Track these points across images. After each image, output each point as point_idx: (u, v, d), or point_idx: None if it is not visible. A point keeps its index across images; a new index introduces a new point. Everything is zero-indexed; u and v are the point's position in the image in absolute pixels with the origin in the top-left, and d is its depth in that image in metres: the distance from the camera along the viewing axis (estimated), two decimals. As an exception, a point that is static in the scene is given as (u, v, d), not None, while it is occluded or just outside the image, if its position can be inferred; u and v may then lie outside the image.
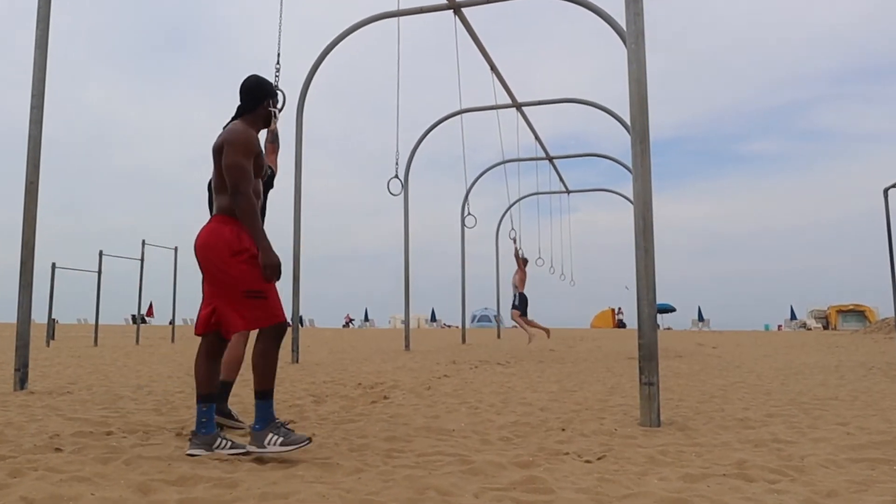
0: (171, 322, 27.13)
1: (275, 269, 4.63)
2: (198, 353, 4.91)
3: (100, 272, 22.87)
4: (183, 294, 43.38)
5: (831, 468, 4.43)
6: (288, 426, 4.76)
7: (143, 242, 23.95)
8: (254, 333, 5.12)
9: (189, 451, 4.70)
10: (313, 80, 15.49)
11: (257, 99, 5.06)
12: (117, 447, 5.00)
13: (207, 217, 5.06)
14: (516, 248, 21.39)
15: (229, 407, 6.02)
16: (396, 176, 10.18)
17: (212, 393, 4.86)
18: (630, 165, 6.98)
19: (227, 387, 6.02)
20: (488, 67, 17.44)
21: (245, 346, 6.21)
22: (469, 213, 20.17)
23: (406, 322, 21.38)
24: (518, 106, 20.71)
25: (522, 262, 20.78)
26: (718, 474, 4.21)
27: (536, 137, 23.70)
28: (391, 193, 10.50)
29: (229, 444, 4.73)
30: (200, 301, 4.99)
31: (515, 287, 20.62)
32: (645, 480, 4.08)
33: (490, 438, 5.42)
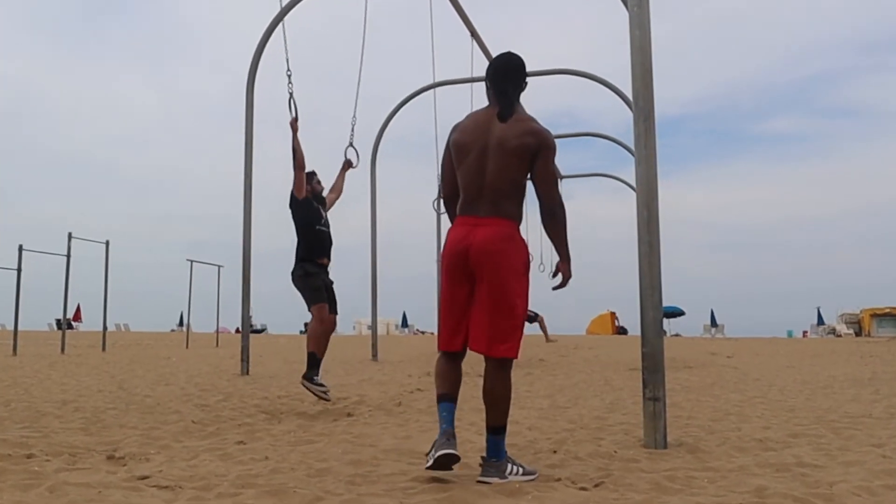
0: (103, 328, 26.97)
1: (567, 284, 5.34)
2: (441, 361, 5.13)
3: (19, 270, 22.70)
4: (115, 296, 43.16)
5: (864, 496, 4.44)
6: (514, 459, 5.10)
7: (70, 236, 23.80)
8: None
9: (481, 478, 4.83)
10: (266, 48, 15.39)
11: (524, 80, 5.29)
12: (40, 472, 4.96)
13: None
14: None
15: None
16: (351, 144, 9.93)
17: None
18: (632, 147, 6.97)
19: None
20: (468, 33, 17.41)
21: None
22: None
23: (373, 328, 21.34)
24: (503, 78, 20.61)
25: None
26: (734, 503, 4.21)
27: (525, 115, 23.67)
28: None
29: (521, 469, 4.96)
30: (440, 309, 5.21)
31: None
32: (649, 510, 4.07)
33: (470, 462, 5.40)
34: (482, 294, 4.88)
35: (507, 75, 5.16)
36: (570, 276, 5.30)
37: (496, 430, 4.92)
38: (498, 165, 4.95)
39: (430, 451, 4.82)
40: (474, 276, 4.93)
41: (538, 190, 5.06)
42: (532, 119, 5.10)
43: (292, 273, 9.44)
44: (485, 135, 5.01)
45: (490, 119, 5.06)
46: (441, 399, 4.96)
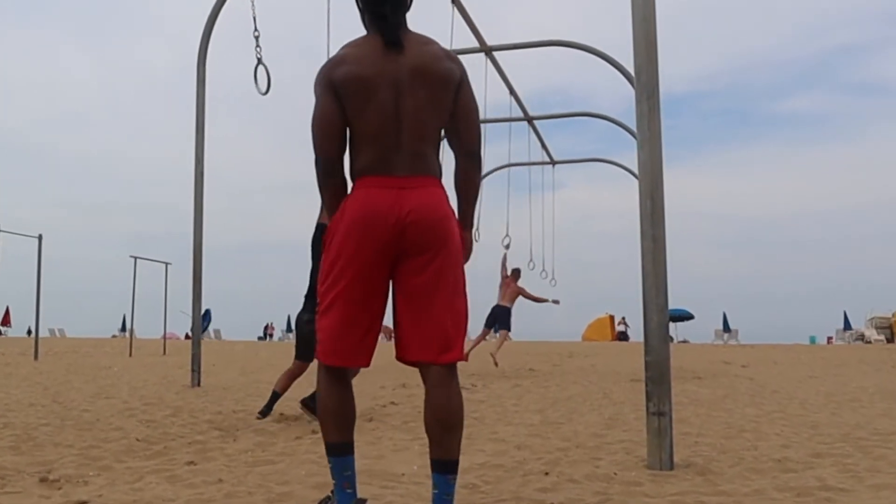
0: (33, 332, 26.88)
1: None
2: (331, 383, 4.41)
3: (-63, 268, 22.58)
4: (49, 297, 43.00)
5: (894, 522, 4.46)
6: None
7: (-5, 229, 23.69)
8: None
9: None
10: (220, 15, 15.31)
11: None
12: (-39, 498, 4.96)
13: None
14: (505, 255, 22.09)
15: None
16: (260, 61, 9.35)
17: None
18: (634, 128, 6.97)
19: None
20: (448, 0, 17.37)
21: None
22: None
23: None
24: (488, 51, 20.54)
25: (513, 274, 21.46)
26: (748, 531, 4.23)
27: (512, 92, 23.63)
28: (259, 91, 9.90)
29: None
30: (333, 307, 4.31)
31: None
32: (653, 539, 4.09)
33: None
34: (426, 282, 4.20)
35: None
36: (471, 250, 4.61)
37: (452, 466, 4.29)
38: (419, 102, 4.25)
39: None
40: (403, 259, 4.22)
41: (461, 130, 4.42)
42: (434, 42, 4.43)
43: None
44: (392, 64, 4.25)
45: (382, 47, 4.29)
46: (338, 450, 4.35)
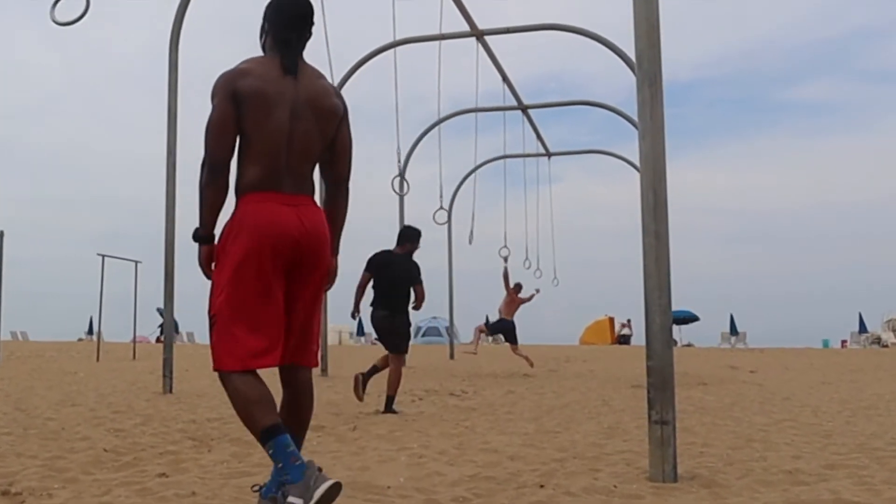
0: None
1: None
2: (248, 380, 4.75)
3: None
4: (11, 297, 42.77)
5: (912, 538, 4.46)
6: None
7: (-47, 225, 23.59)
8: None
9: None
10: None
11: (310, 29, 5.19)
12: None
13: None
14: (506, 269, 24.06)
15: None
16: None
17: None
18: (635, 118, 6.96)
19: None
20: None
21: None
22: (441, 208, 20.33)
23: (323, 337, 21.28)
24: (479, 35, 20.50)
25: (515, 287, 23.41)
26: (757, 547, 4.23)
27: (505, 79, 23.61)
28: (55, 20, 9.89)
29: None
30: (242, 310, 4.78)
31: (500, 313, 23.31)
32: (655, 556, 4.09)
33: (440, 498, 5.42)
34: (307, 294, 4.99)
35: (292, 22, 5.04)
36: (336, 276, 5.39)
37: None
38: (308, 127, 4.94)
39: (295, 492, 4.38)
40: (291, 271, 4.88)
41: (337, 160, 5.18)
42: (325, 75, 5.23)
43: (405, 320, 11.80)
44: (291, 89, 4.91)
45: (280, 70, 4.93)
46: (276, 430, 4.58)
